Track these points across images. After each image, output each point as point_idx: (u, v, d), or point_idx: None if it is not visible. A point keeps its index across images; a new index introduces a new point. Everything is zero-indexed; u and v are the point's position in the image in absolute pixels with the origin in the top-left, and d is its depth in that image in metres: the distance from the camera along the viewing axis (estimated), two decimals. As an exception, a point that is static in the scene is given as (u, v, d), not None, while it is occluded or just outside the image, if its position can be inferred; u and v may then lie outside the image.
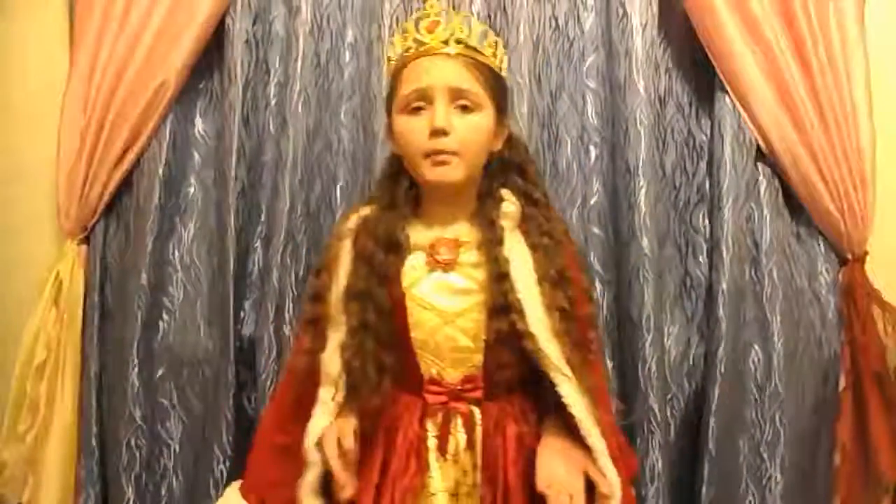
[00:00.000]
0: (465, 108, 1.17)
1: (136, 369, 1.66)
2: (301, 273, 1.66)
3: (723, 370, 1.57)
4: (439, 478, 1.18)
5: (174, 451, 1.69)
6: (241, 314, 1.71)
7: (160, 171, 1.68)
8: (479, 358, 1.19)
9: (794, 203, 1.64)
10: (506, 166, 1.27)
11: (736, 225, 1.59)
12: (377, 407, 1.18)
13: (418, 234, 1.22)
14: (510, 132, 1.28)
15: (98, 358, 1.71)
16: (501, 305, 1.16)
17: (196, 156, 1.74)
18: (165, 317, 1.71)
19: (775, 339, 1.59)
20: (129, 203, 1.72)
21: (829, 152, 1.57)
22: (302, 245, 1.67)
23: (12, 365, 1.71)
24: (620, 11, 1.61)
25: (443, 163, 1.16)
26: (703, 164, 1.67)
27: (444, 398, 1.20)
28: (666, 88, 1.69)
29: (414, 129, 1.17)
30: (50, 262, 1.73)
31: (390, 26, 1.66)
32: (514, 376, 1.20)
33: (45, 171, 1.75)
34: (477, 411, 1.20)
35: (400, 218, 1.22)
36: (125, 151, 1.68)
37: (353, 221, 1.26)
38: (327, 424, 1.17)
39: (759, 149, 1.61)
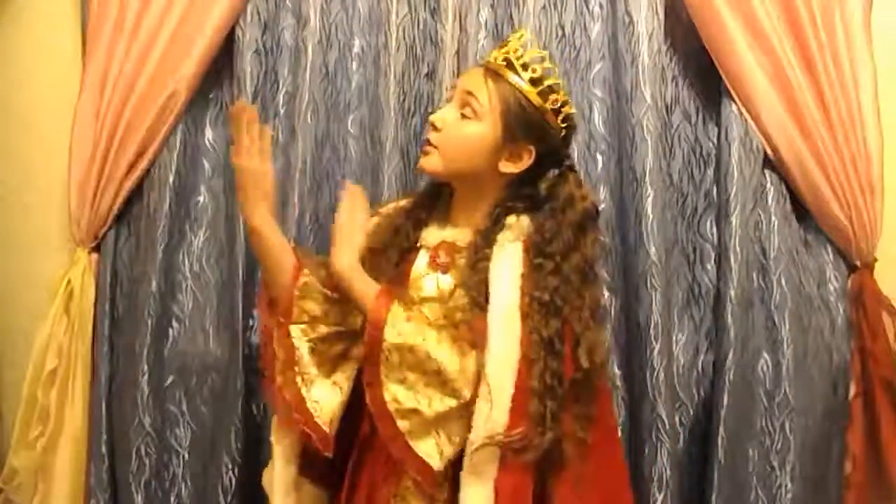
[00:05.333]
0: (464, 116, 1.23)
1: (146, 377, 1.67)
2: (309, 281, 1.67)
3: (731, 378, 1.56)
4: None
5: (183, 458, 1.70)
6: (251, 322, 1.72)
7: (170, 180, 1.69)
8: None
9: (801, 210, 1.64)
10: (541, 202, 1.24)
11: (744, 232, 1.58)
12: None
13: (430, 235, 1.29)
14: (563, 173, 1.26)
15: (108, 365, 1.72)
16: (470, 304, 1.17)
17: (206, 165, 1.76)
18: (175, 325, 1.72)
19: (784, 346, 1.59)
20: (140, 212, 1.74)
21: (836, 158, 1.57)
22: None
23: (23, 372, 1.72)
24: (626, 20, 1.61)
25: (424, 153, 1.25)
26: (710, 172, 1.68)
27: None
28: (672, 96, 1.69)
29: None
30: (61, 271, 1.74)
31: (397, 36, 1.68)
32: None
33: (57, 181, 1.77)
34: None
35: (428, 209, 1.31)
36: (136, 161, 1.69)
37: (389, 207, 1.36)
38: None
39: (766, 156, 1.61)
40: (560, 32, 1.69)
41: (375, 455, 1.21)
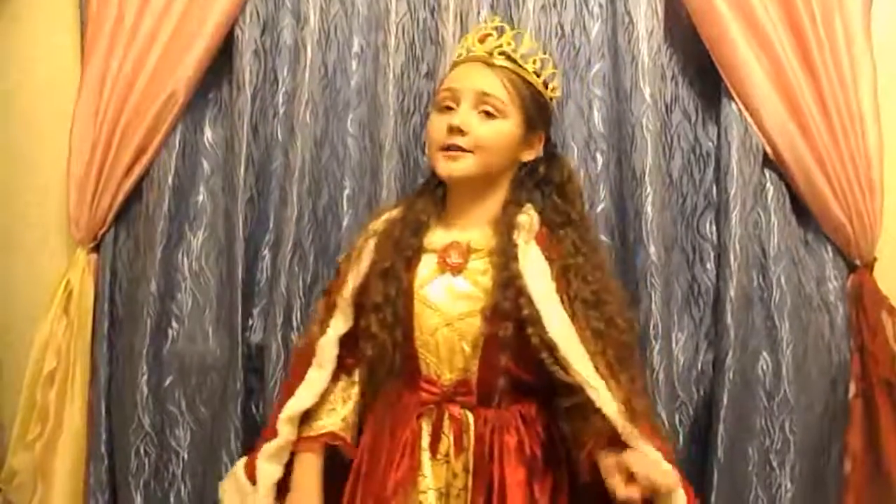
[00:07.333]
0: (488, 114, 1.23)
1: (146, 377, 1.67)
2: (309, 280, 1.67)
3: (731, 377, 1.56)
4: (431, 476, 1.20)
5: (183, 458, 1.70)
6: (250, 322, 1.72)
7: (169, 179, 1.69)
8: (474, 363, 1.21)
9: (801, 209, 1.64)
10: (541, 183, 1.31)
11: (743, 231, 1.58)
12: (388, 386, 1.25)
13: (435, 237, 1.27)
14: (553, 152, 1.35)
15: (107, 366, 1.72)
16: (503, 312, 1.17)
17: (205, 164, 1.76)
18: (174, 324, 1.72)
19: (784, 346, 1.59)
20: (139, 212, 1.74)
21: (836, 158, 1.57)
22: (309, 253, 1.67)
23: (22, 373, 1.72)
24: (626, 19, 1.61)
25: (453, 158, 1.22)
26: (709, 171, 1.67)
27: (437, 398, 1.22)
28: (672, 95, 1.68)
29: (438, 125, 1.25)
30: (60, 271, 1.74)
31: (396, 35, 1.68)
32: (511, 386, 1.21)
33: (56, 181, 1.77)
34: (470, 416, 1.21)
35: (425, 212, 1.29)
36: (135, 161, 1.69)
37: (380, 222, 1.32)
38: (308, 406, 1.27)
39: (765, 155, 1.60)
40: (559, 31, 1.68)
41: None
